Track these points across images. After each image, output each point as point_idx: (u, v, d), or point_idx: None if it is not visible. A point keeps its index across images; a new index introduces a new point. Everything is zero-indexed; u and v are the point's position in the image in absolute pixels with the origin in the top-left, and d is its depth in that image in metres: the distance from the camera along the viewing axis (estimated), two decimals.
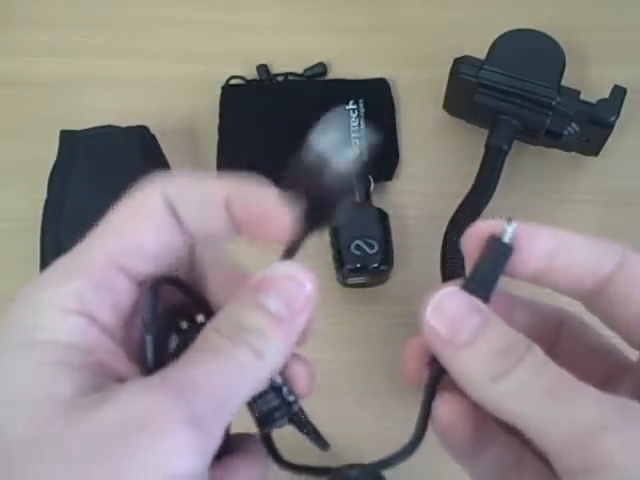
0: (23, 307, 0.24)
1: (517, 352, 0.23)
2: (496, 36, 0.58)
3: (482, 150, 0.58)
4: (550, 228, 0.26)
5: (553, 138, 0.58)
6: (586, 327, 0.28)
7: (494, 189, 0.57)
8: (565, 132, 0.57)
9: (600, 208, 0.59)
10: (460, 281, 0.26)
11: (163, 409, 0.21)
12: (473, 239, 0.26)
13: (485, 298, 0.25)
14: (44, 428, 0.20)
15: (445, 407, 0.25)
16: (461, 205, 0.56)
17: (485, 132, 0.58)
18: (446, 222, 0.55)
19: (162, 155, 0.59)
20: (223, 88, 0.64)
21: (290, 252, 0.28)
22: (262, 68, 0.64)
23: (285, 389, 0.26)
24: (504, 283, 0.27)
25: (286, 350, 0.24)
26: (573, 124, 0.57)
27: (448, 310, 0.24)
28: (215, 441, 0.22)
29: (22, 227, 0.58)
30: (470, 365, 0.23)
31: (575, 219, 0.59)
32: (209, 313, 0.26)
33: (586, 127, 0.56)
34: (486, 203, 0.56)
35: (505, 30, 0.58)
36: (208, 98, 0.63)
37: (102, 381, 0.22)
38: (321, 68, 0.65)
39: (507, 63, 0.57)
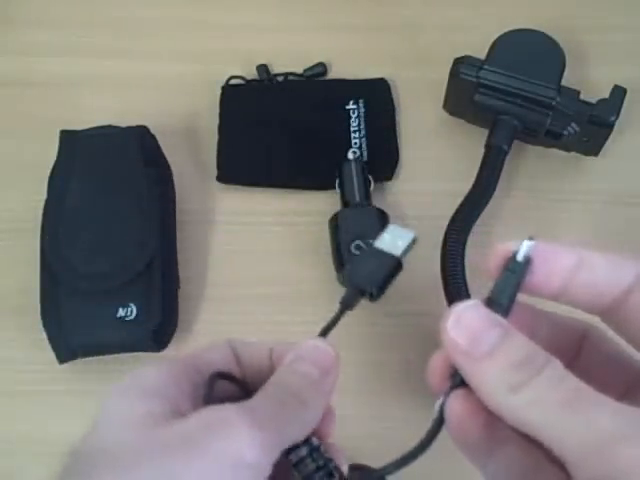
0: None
1: (536, 364, 0.23)
2: (496, 36, 0.58)
3: (482, 150, 0.58)
4: (570, 245, 0.27)
5: (553, 138, 0.58)
6: (606, 339, 0.28)
7: (494, 189, 0.57)
8: (565, 132, 0.57)
9: (600, 208, 0.59)
10: (480, 297, 0.27)
11: (233, 413, 0.26)
12: (495, 260, 0.27)
13: (504, 312, 0.26)
14: (145, 431, 0.27)
15: (458, 402, 0.26)
16: (461, 205, 0.56)
17: (485, 132, 0.58)
18: (446, 222, 0.55)
19: (162, 155, 0.59)
20: (223, 88, 0.64)
21: (325, 331, 0.32)
22: (262, 68, 0.64)
23: (322, 448, 0.29)
24: (527, 299, 0.28)
25: (322, 401, 0.29)
26: (573, 124, 0.57)
27: (468, 322, 0.25)
28: (276, 446, 0.27)
29: (22, 227, 0.58)
30: (489, 376, 0.24)
31: (575, 219, 0.59)
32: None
33: (586, 127, 0.56)
34: (486, 203, 0.56)
35: (505, 30, 0.58)
36: (208, 98, 0.63)
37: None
38: (321, 68, 0.65)
39: (507, 63, 0.57)
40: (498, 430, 0.26)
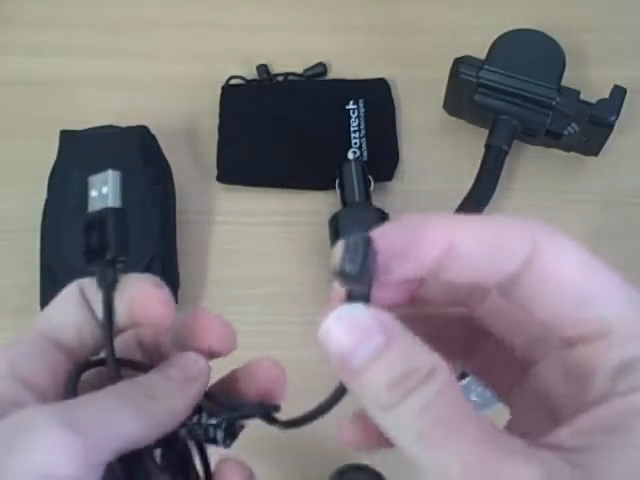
0: None
1: (411, 382, 0.21)
2: (496, 36, 0.58)
3: (482, 150, 0.58)
4: (444, 222, 0.23)
5: (553, 138, 0.58)
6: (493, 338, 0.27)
7: (494, 189, 0.57)
8: (565, 132, 0.57)
9: (600, 208, 0.59)
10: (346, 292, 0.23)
11: (41, 415, 0.22)
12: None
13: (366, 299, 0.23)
14: None
15: (347, 432, 0.25)
16: (461, 205, 0.56)
17: (485, 132, 0.58)
18: None
19: (162, 155, 0.59)
20: (223, 88, 0.64)
21: None
22: (262, 68, 0.64)
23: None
24: None
25: (179, 403, 0.26)
26: (573, 124, 0.57)
27: (342, 331, 0.22)
28: (98, 453, 0.23)
29: (22, 227, 0.58)
30: (362, 392, 0.22)
31: (575, 219, 0.59)
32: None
33: (586, 127, 0.56)
34: (486, 203, 0.56)
35: (505, 30, 0.58)
36: (208, 98, 0.63)
37: None
38: (321, 68, 0.65)
39: (507, 63, 0.57)
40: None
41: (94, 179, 0.31)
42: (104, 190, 0.31)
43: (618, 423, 0.21)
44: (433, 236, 0.23)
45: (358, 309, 0.22)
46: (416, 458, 0.21)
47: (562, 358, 0.23)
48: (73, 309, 0.29)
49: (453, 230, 0.23)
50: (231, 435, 0.27)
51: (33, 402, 0.24)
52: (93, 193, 0.31)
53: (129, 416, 0.24)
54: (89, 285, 0.29)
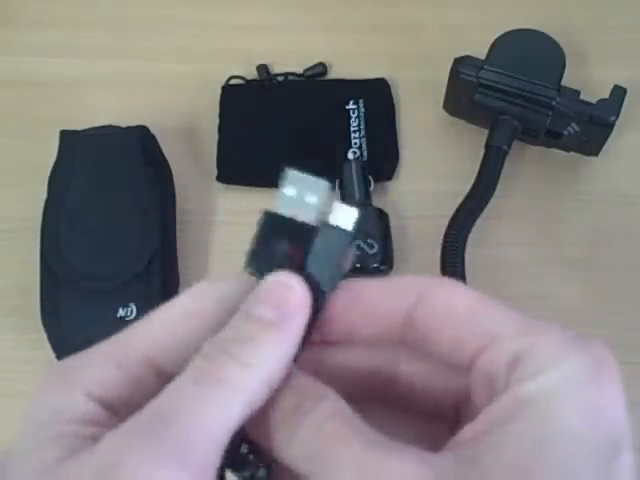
0: (53, 385, 0.24)
1: (303, 409, 0.22)
2: (496, 36, 0.58)
3: (482, 150, 0.58)
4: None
5: (553, 138, 0.58)
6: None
7: (494, 189, 0.57)
8: (565, 132, 0.57)
9: (600, 208, 0.59)
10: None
11: (133, 451, 0.20)
12: None
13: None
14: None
15: None
16: (461, 205, 0.56)
17: (485, 132, 0.58)
18: (446, 222, 0.55)
19: (162, 155, 0.59)
20: (223, 88, 0.64)
21: None
22: (262, 68, 0.64)
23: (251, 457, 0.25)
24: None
25: (280, 357, 0.23)
26: (573, 124, 0.57)
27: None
28: (204, 471, 0.21)
29: (22, 227, 0.58)
30: (259, 432, 0.23)
31: (575, 219, 0.59)
32: None
33: (586, 127, 0.56)
34: (486, 203, 0.56)
35: (505, 30, 0.58)
36: (208, 98, 0.63)
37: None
38: (321, 68, 0.65)
39: (507, 63, 0.57)
40: None
41: (296, 176, 0.26)
42: (311, 199, 0.25)
43: (505, 414, 0.21)
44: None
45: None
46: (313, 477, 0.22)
47: (471, 377, 0.24)
48: (195, 327, 0.24)
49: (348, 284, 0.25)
50: None
51: (112, 424, 0.22)
52: (290, 192, 0.25)
53: (227, 414, 0.22)
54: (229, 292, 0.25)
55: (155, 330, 0.25)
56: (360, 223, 0.25)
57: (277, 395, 0.23)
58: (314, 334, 0.25)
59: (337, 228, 0.25)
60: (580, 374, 0.22)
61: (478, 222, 0.56)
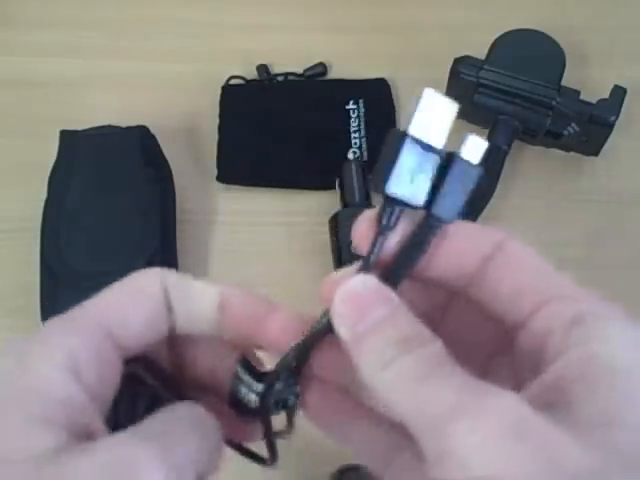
0: (18, 359, 0.24)
1: (412, 344, 0.23)
2: (496, 36, 0.58)
3: None
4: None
5: (553, 138, 0.58)
6: (473, 302, 0.27)
7: (494, 189, 0.57)
8: (565, 132, 0.57)
9: (600, 208, 0.59)
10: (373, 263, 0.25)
11: (140, 455, 0.22)
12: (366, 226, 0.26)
13: (396, 283, 0.25)
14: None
15: (313, 395, 0.26)
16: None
17: (485, 132, 0.58)
18: None
19: (162, 155, 0.59)
20: (223, 88, 0.64)
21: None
22: (262, 68, 0.64)
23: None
24: None
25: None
26: (573, 124, 0.57)
27: (357, 296, 0.24)
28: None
29: (22, 227, 0.58)
30: (364, 354, 0.23)
31: (575, 219, 0.59)
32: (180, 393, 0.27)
33: (586, 127, 0.56)
34: (486, 203, 0.56)
35: (505, 30, 0.58)
36: (208, 98, 0.63)
37: (79, 439, 0.23)
38: (321, 68, 0.65)
39: (507, 63, 0.57)
40: (352, 410, 0.27)
41: (431, 95, 0.26)
42: (442, 123, 0.26)
43: (579, 372, 0.22)
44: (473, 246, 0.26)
45: (370, 280, 0.24)
46: (408, 404, 0.22)
47: (524, 331, 0.24)
48: (148, 305, 0.26)
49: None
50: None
51: (83, 398, 0.23)
52: (423, 114, 0.27)
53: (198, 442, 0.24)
54: (176, 285, 0.27)
55: (108, 301, 0.26)
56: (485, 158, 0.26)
57: (390, 322, 0.24)
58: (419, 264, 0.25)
59: (468, 162, 0.26)
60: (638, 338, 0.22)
61: (478, 222, 0.56)
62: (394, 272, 0.25)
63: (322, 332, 0.25)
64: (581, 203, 0.59)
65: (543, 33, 0.58)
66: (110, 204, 0.55)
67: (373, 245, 0.25)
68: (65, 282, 0.53)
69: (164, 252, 0.55)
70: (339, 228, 0.55)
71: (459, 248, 0.26)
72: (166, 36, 0.67)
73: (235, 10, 0.68)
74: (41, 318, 0.53)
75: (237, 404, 0.27)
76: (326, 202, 0.59)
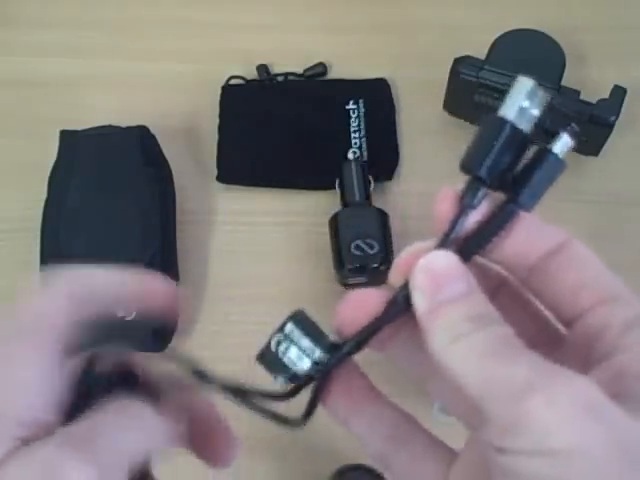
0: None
1: (483, 322, 0.24)
2: (496, 36, 0.58)
3: None
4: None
5: (553, 138, 0.58)
6: (522, 294, 0.28)
7: None
8: None
9: (600, 208, 0.59)
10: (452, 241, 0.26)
11: (66, 462, 0.22)
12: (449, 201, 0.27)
13: (467, 260, 0.26)
14: None
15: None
16: None
17: None
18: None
19: (162, 155, 0.59)
20: (223, 88, 0.64)
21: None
22: (262, 68, 0.64)
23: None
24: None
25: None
26: (573, 124, 0.56)
27: (438, 269, 0.25)
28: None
29: (22, 227, 0.58)
30: (437, 324, 0.24)
31: (575, 219, 0.59)
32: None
33: (586, 127, 0.56)
34: None
35: (505, 30, 0.58)
36: (208, 98, 0.63)
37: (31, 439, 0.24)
38: (321, 68, 0.65)
39: (507, 63, 0.57)
40: (363, 394, 0.28)
41: (526, 84, 0.29)
42: (534, 111, 0.29)
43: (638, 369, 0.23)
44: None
45: (451, 256, 0.26)
46: (477, 378, 0.23)
47: (577, 327, 0.25)
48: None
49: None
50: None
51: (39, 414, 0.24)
52: (520, 100, 0.29)
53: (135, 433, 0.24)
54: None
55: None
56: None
57: (466, 297, 0.25)
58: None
59: (557, 156, 0.28)
60: None
61: None
62: (467, 249, 0.26)
63: (399, 310, 0.26)
64: (581, 203, 0.59)
65: (543, 33, 0.58)
66: (110, 204, 0.55)
67: (454, 222, 0.26)
68: None
69: (164, 252, 0.55)
70: (339, 228, 0.55)
71: (529, 237, 0.27)
72: (166, 36, 0.67)
73: (235, 10, 0.68)
74: None
75: (273, 363, 0.26)
76: (326, 202, 0.59)
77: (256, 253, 0.58)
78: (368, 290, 0.27)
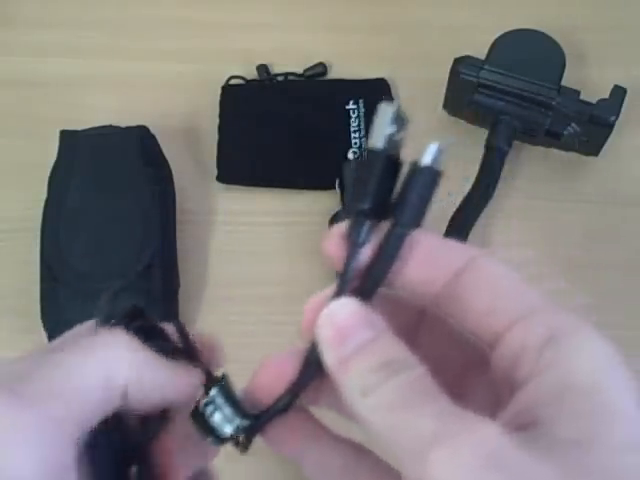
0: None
1: (392, 368, 0.23)
2: (496, 36, 0.58)
3: (482, 150, 0.58)
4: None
5: (553, 138, 0.58)
6: (445, 319, 0.27)
7: (494, 189, 0.57)
8: (565, 132, 0.57)
9: (600, 208, 0.59)
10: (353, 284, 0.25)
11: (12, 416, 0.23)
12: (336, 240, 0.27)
13: (369, 297, 0.25)
14: None
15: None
16: (461, 205, 0.56)
17: (485, 132, 0.58)
18: (446, 222, 0.55)
19: (162, 155, 0.59)
20: (223, 88, 0.64)
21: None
22: (262, 68, 0.64)
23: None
24: None
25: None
26: (573, 124, 0.57)
27: (339, 321, 0.24)
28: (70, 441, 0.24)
29: (22, 227, 0.58)
30: (349, 378, 0.23)
31: (575, 219, 0.59)
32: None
33: (586, 127, 0.56)
34: (486, 203, 0.56)
35: (505, 30, 0.58)
36: (208, 98, 0.63)
37: None
38: (321, 68, 0.65)
39: (507, 63, 0.57)
40: (309, 430, 0.27)
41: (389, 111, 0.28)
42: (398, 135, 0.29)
43: (553, 393, 0.22)
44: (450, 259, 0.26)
45: (351, 303, 0.25)
46: (386, 433, 0.22)
47: (498, 349, 0.24)
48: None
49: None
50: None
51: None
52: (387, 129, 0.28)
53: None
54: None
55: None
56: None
57: (369, 347, 0.24)
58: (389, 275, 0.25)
59: (429, 169, 0.28)
60: (612, 354, 0.23)
61: (478, 222, 0.56)
62: (367, 287, 0.25)
63: (313, 370, 0.25)
64: (581, 203, 0.59)
65: (543, 33, 0.58)
66: (110, 204, 0.55)
67: (347, 264, 0.25)
68: (65, 282, 0.53)
69: (164, 252, 0.55)
70: None
71: (430, 260, 0.26)
72: (166, 36, 0.67)
73: (235, 10, 0.68)
74: (41, 318, 0.53)
75: (203, 424, 0.26)
76: (326, 202, 0.59)
77: (256, 253, 0.58)
78: (283, 355, 0.26)
